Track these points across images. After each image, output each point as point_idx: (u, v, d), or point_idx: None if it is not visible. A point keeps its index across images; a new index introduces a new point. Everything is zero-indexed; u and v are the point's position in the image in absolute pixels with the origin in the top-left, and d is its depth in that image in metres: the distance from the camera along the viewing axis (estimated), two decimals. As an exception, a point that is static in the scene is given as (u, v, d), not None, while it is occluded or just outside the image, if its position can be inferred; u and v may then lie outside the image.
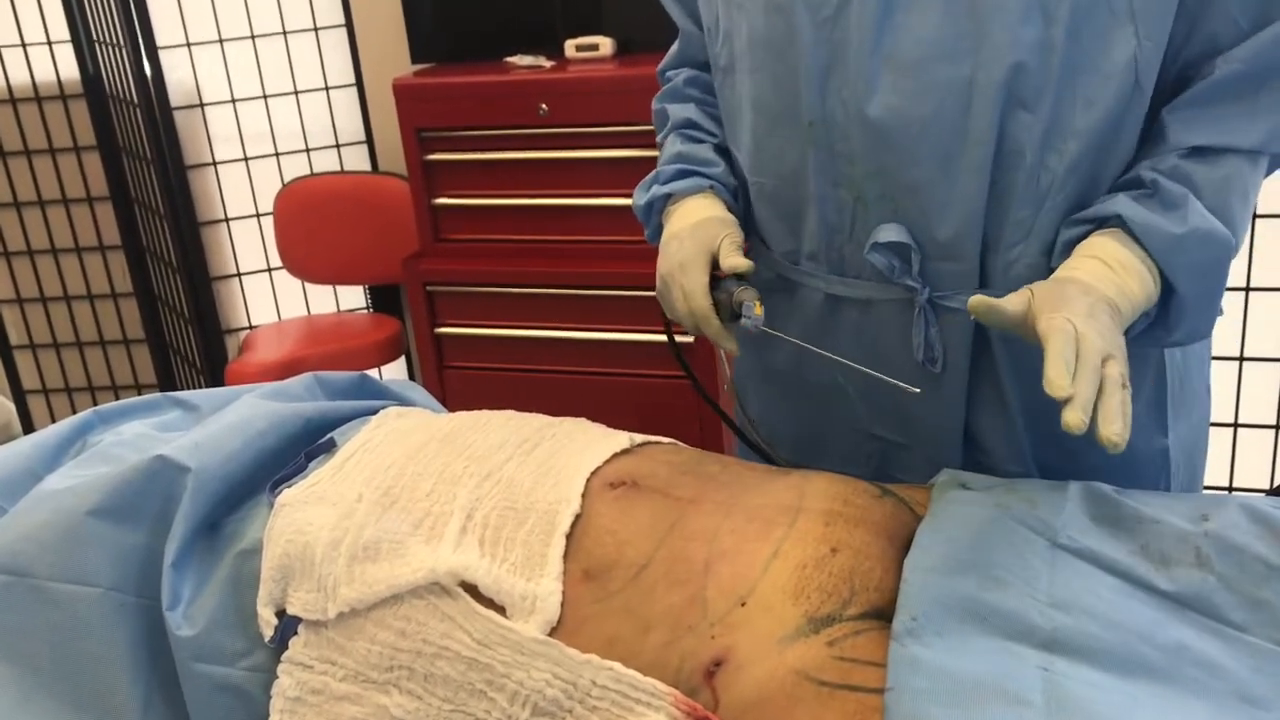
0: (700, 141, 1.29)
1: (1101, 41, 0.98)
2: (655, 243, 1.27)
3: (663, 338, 1.35)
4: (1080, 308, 0.92)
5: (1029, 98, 1.00)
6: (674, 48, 1.36)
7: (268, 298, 3.31)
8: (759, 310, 1.13)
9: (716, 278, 1.18)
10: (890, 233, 1.07)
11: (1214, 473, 1.28)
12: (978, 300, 0.94)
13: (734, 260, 1.16)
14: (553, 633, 0.92)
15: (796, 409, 1.28)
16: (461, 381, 2.74)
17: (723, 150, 1.28)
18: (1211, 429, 1.29)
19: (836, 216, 1.12)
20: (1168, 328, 1.02)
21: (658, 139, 1.36)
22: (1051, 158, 1.02)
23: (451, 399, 2.72)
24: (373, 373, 1.69)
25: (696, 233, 1.19)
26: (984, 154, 1.02)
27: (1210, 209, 0.99)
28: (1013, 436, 1.14)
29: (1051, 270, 1.03)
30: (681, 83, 1.33)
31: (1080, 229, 1.03)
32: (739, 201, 1.27)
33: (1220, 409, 2.27)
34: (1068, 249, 1.03)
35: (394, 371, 3.35)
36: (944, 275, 1.09)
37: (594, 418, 1.21)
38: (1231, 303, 2.26)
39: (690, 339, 1.49)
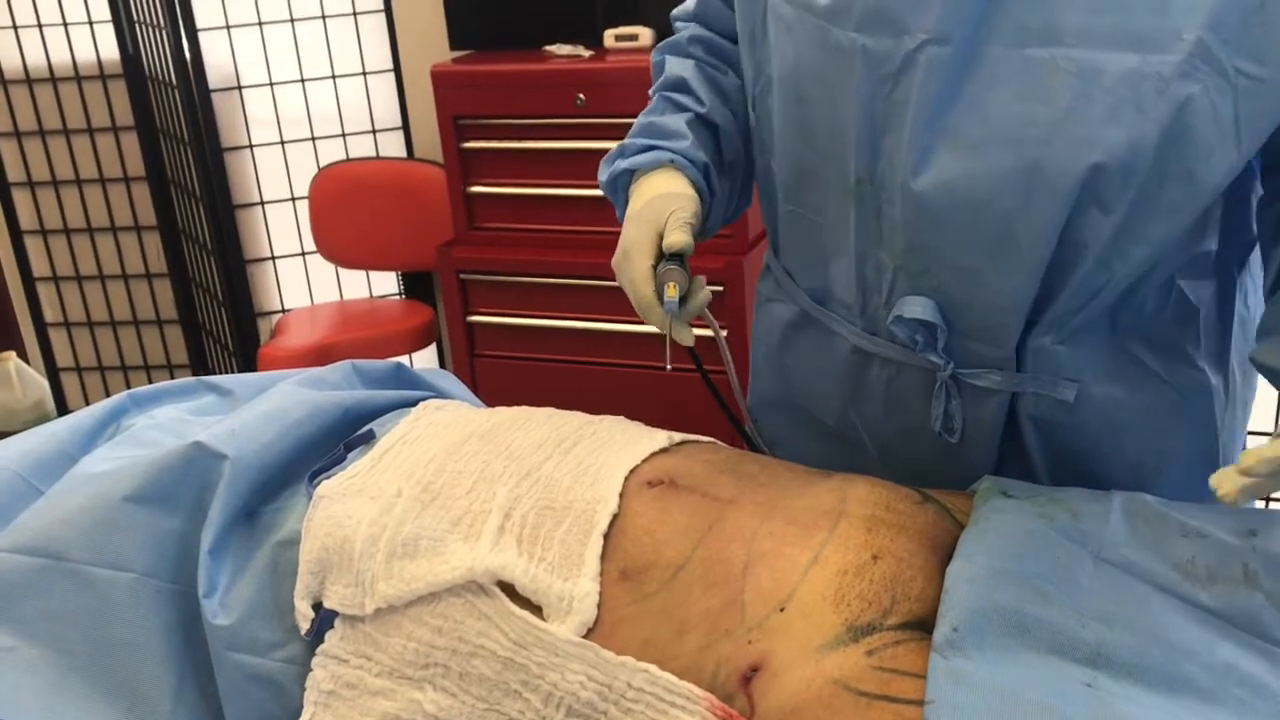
0: (681, 109, 1.19)
1: (1204, 149, 0.87)
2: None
3: (707, 332, 1.25)
4: None
5: (1107, 199, 0.89)
6: (692, 2, 1.25)
7: (301, 282, 3.32)
8: (672, 293, 1.03)
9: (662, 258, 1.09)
10: (917, 309, 1.00)
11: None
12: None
13: (674, 237, 1.07)
14: (589, 634, 0.91)
15: (807, 445, 1.23)
16: (492, 370, 2.74)
17: (703, 122, 1.19)
18: (1250, 438, 1.25)
19: (875, 278, 1.05)
20: None
21: (650, 91, 1.26)
22: (1116, 261, 0.93)
23: (482, 388, 2.71)
24: (404, 360, 1.69)
25: (645, 213, 1.10)
26: (1042, 252, 0.93)
27: None
28: None
29: (1119, 344, 1.00)
30: (686, 39, 1.23)
31: None
32: (710, 179, 1.17)
33: (1260, 418, 2.23)
34: None
35: (425, 359, 3.36)
36: (975, 354, 1.03)
37: (625, 411, 1.20)
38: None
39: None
